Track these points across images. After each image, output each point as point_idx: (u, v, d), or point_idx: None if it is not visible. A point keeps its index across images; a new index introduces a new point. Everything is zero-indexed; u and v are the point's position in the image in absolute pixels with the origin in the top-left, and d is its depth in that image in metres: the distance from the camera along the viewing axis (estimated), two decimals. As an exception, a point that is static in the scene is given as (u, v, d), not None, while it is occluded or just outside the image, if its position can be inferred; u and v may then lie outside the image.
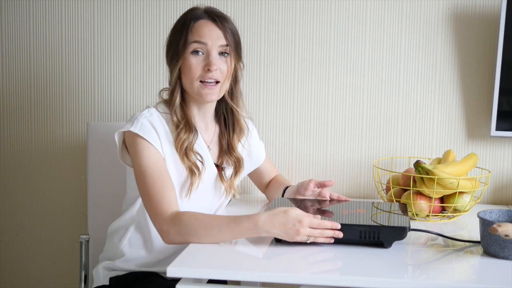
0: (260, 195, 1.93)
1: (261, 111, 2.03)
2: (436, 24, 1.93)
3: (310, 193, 1.67)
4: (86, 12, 2.08)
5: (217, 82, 1.55)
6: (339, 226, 1.34)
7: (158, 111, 1.57)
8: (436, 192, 1.62)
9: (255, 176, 1.85)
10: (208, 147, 1.63)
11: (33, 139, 2.15)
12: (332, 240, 1.35)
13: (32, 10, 2.10)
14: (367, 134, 1.99)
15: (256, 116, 2.02)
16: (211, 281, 1.31)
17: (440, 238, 1.47)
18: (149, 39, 2.06)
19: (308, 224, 1.32)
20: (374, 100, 1.98)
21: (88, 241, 1.84)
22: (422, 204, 1.65)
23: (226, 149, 1.65)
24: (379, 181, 1.82)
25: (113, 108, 2.10)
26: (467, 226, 1.64)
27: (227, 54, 1.56)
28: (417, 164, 1.63)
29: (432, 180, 1.60)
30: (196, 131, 1.59)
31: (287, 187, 1.74)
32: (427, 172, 1.60)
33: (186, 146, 1.54)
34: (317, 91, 2.00)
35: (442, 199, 1.68)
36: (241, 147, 1.69)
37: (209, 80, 1.53)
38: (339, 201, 1.63)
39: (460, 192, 1.64)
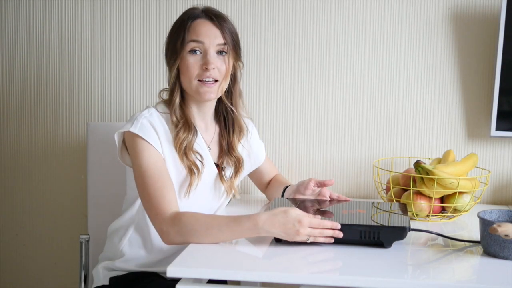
0: (260, 195, 1.93)
1: (261, 111, 2.03)
2: (436, 24, 1.93)
3: (310, 192, 1.67)
4: (86, 12, 2.08)
5: (216, 80, 1.55)
6: (339, 226, 1.34)
7: (158, 111, 1.57)
8: (436, 192, 1.62)
9: (255, 176, 1.85)
10: (208, 147, 1.63)
11: (33, 139, 2.15)
12: (332, 240, 1.35)
13: (32, 10, 2.10)
14: (367, 134, 1.99)
15: (256, 116, 2.02)
16: (211, 281, 1.31)
17: (440, 238, 1.47)
18: (149, 39, 2.06)
19: (308, 224, 1.32)
20: (374, 100, 1.98)
21: (88, 241, 1.84)
22: (422, 204, 1.65)
23: (226, 149, 1.66)
24: (379, 181, 1.82)
25: (113, 108, 2.10)
26: (467, 226, 1.64)
27: (225, 53, 1.56)
28: (417, 164, 1.63)
29: (432, 180, 1.60)
30: (196, 130, 1.59)
31: (287, 187, 1.75)
32: (427, 172, 1.60)
33: (186, 146, 1.54)
34: (317, 91, 2.00)
35: (442, 199, 1.68)
36: (241, 147, 1.69)
37: (207, 79, 1.53)
38: (339, 201, 1.63)
39: (460, 192, 1.64)
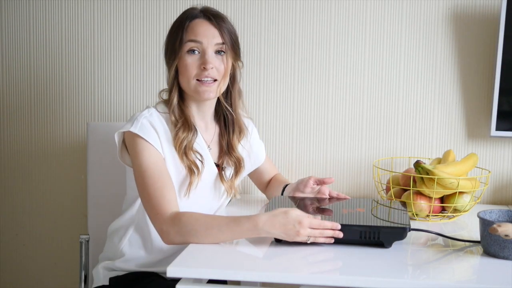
0: (260, 195, 1.93)
1: (261, 111, 2.03)
2: (436, 24, 1.93)
3: (309, 190, 1.67)
4: (86, 12, 2.08)
5: (215, 80, 1.55)
6: (339, 227, 1.34)
7: (158, 111, 1.58)
8: (436, 192, 1.62)
9: (255, 175, 1.85)
10: (208, 146, 1.63)
11: (33, 139, 2.15)
12: (332, 240, 1.35)
13: (32, 10, 2.10)
14: (367, 134, 1.99)
15: (256, 116, 2.02)
16: (211, 281, 1.31)
17: (440, 238, 1.47)
18: (149, 39, 2.06)
19: (308, 224, 1.32)
20: (374, 100, 1.98)
21: (88, 241, 1.84)
22: (422, 204, 1.65)
23: (226, 150, 1.66)
24: (379, 181, 1.82)
25: (113, 108, 2.10)
26: (467, 226, 1.64)
27: (224, 52, 1.56)
28: (417, 164, 1.63)
29: (432, 180, 1.60)
30: (196, 130, 1.59)
31: (286, 185, 1.75)
32: (427, 172, 1.60)
33: (186, 145, 1.54)
34: (317, 91, 2.00)
35: (442, 199, 1.68)
36: (241, 148, 1.69)
37: (206, 79, 1.53)
38: (338, 198, 1.63)
39: (460, 192, 1.64)
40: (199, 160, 1.57)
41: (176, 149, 1.53)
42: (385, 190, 1.85)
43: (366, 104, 1.99)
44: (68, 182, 2.14)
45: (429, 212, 1.65)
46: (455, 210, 1.66)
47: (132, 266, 1.60)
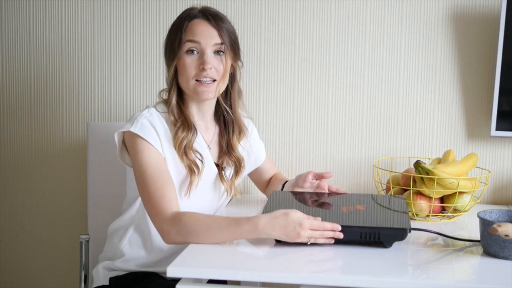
0: (260, 195, 1.93)
1: (261, 111, 2.03)
2: (436, 24, 1.93)
3: (308, 185, 1.68)
4: (86, 12, 2.08)
5: (214, 80, 1.55)
6: (339, 228, 1.34)
7: (158, 110, 1.57)
8: (436, 192, 1.62)
9: (255, 175, 1.85)
10: (208, 146, 1.63)
11: (33, 139, 2.15)
12: (333, 241, 1.35)
13: (32, 10, 2.10)
14: (367, 134, 1.99)
15: (256, 116, 2.02)
16: (211, 281, 1.31)
17: (440, 238, 1.47)
18: (149, 39, 2.06)
19: (308, 226, 1.32)
20: (374, 100, 1.98)
21: (88, 241, 1.84)
22: (422, 204, 1.65)
23: (226, 150, 1.65)
24: (379, 181, 1.82)
25: (113, 108, 2.10)
26: (467, 226, 1.64)
27: (223, 52, 1.56)
28: (417, 164, 1.63)
29: (432, 180, 1.60)
30: (196, 129, 1.59)
31: (286, 182, 1.75)
32: (427, 172, 1.60)
33: (185, 145, 1.54)
34: (317, 91, 2.00)
35: (442, 199, 1.68)
36: (241, 148, 1.69)
37: (205, 79, 1.53)
38: (337, 193, 1.63)
39: (460, 192, 1.64)
40: (199, 159, 1.57)
41: (176, 148, 1.53)
42: (385, 190, 1.85)
43: (366, 104, 1.98)
44: (68, 182, 2.14)
45: (429, 212, 1.65)
46: (455, 210, 1.66)
47: (132, 266, 1.60)
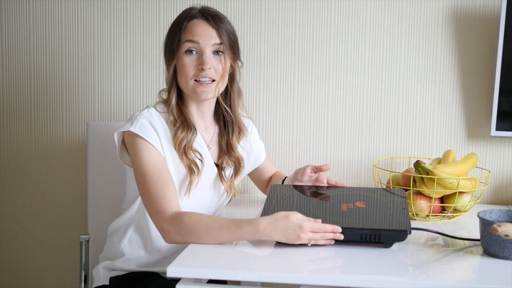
0: (260, 195, 1.93)
1: (261, 111, 2.03)
2: (436, 24, 1.93)
3: (307, 179, 1.68)
4: (86, 12, 2.08)
5: (213, 80, 1.55)
6: (340, 230, 1.34)
7: (157, 110, 1.57)
8: (436, 192, 1.62)
9: (255, 175, 1.85)
10: (208, 146, 1.63)
11: (33, 139, 2.15)
12: (333, 242, 1.35)
13: (32, 10, 2.10)
14: (367, 134, 1.99)
15: (256, 116, 2.02)
16: (211, 281, 1.31)
17: (440, 238, 1.47)
18: (149, 39, 2.06)
19: (309, 229, 1.32)
20: (374, 100, 1.98)
21: (88, 241, 1.84)
22: (422, 204, 1.64)
23: (226, 149, 1.65)
24: (379, 181, 1.82)
25: (113, 108, 2.10)
26: (467, 226, 1.64)
27: (222, 52, 1.56)
28: (417, 164, 1.63)
29: (432, 180, 1.60)
30: (195, 129, 1.59)
31: (285, 178, 1.75)
32: (427, 172, 1.60)
33: (185, 144, 1.54)
34: (317, 91, 2.00)
35: (442, 199, 1.68)
36: (241, 148, 1.69)
37: (204, 79, 1.53)
38: (336, 186, 1.63)
39: (460, 192, 1.64)
40: (199, 159, 1.57)
41: (175, 148, 1.53)
42: (385, 190, 1.85)
43: (366, 104, 1.98)
44: (68, 182, 2.14)
45: (429, 212, 1.65)
46: (455, 210, 1.66)
47: (132, 266, 1.60)
